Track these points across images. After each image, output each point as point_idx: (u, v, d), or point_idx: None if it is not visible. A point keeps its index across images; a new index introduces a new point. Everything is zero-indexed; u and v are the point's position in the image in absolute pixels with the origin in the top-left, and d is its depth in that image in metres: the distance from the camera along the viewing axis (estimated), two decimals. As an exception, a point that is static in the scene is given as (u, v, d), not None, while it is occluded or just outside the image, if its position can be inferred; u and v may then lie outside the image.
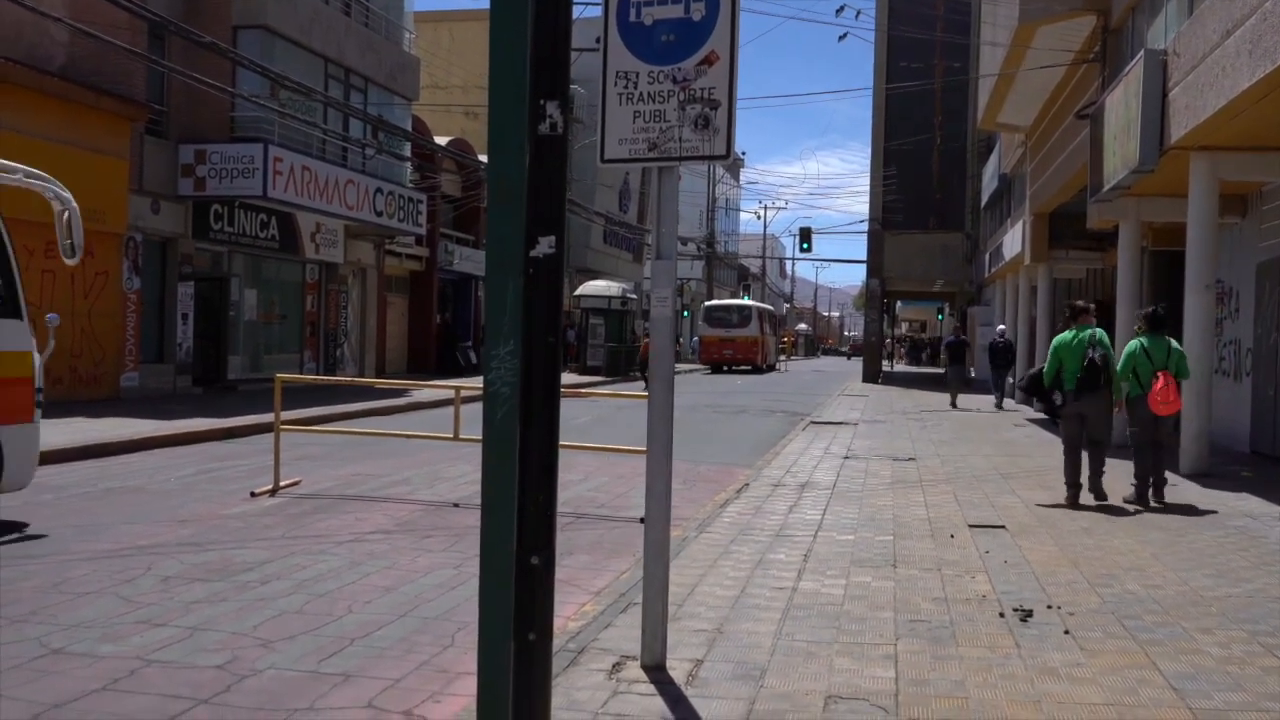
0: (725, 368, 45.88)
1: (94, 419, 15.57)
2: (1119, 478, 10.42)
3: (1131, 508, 9.67)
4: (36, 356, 8.99)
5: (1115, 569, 7.05)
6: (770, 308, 58.06)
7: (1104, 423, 10.09)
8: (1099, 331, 9.91)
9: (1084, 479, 9.97)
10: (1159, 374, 9.72)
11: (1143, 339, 10.04)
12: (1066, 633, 5.48)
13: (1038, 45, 18.70)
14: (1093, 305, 10.65)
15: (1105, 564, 7.22)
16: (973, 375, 32.98)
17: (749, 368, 46.46)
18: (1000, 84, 22.10)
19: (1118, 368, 9.96)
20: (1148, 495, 9.86)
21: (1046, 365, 10.09)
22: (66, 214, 9.55)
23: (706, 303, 50.69)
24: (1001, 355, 24.51)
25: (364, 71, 26.41)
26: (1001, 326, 26.64)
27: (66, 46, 19.50)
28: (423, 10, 39.63)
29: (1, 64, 17.43)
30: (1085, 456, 10.01)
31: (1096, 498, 9.91)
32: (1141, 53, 12.95)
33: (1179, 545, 7.94)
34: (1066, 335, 9.96)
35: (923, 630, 5.48)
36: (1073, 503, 9.78)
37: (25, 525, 8.36)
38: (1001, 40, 20.72)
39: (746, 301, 51.82)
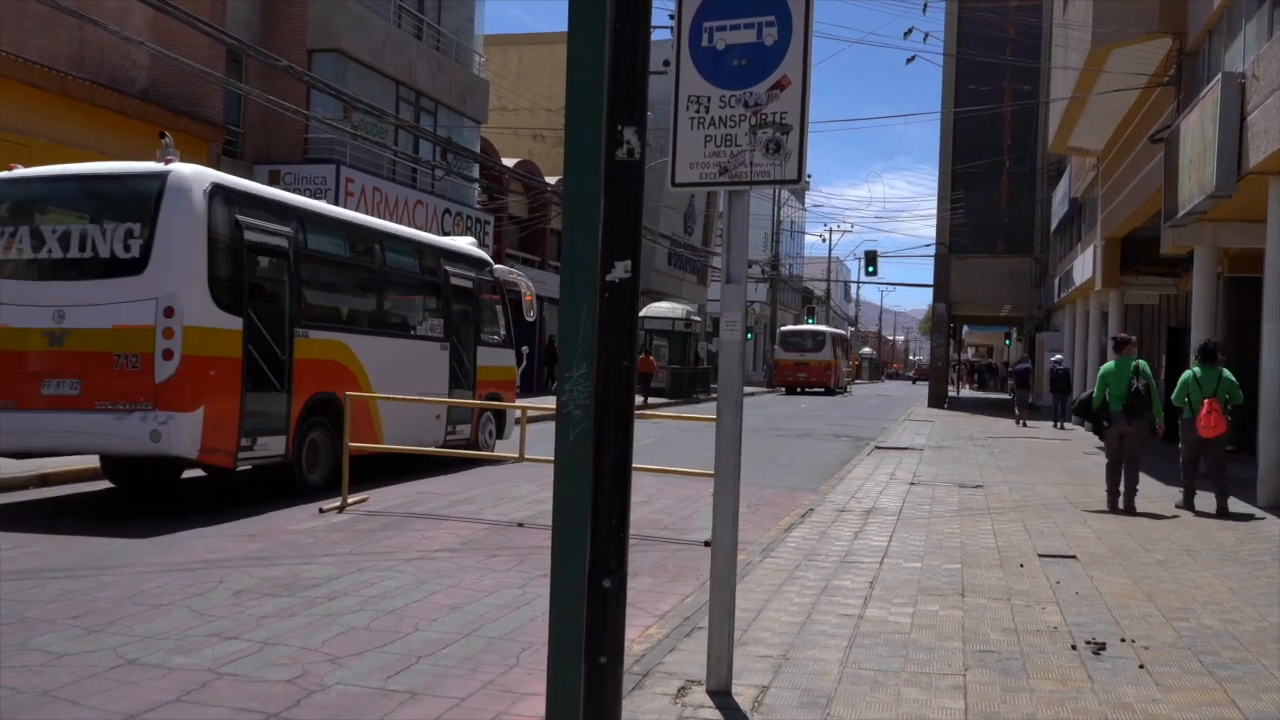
0: (799, 390, 47.99)
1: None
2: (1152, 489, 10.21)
3: (1179, 512, 11.17)
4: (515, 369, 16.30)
5: (1191, 602, 6.89)
6: (842, 333, 60.20)
7: (1142, 443, 11.30)
8: (1142, 362, 11.27)
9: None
10: (1206, 401, 10.96)
11: (1196, 369, 11.33)
12: (1141, 667, 5.36)
13: (1111, 68, 18.45)
14: (1134, 337, 11.93)
15: (1181, 597, 7.05)
16: (1040, 403, 32.69)
17: (822, 390, 48.44)
18: (1072, 107, 21.82)
19: (1173, 395, 11.45)
20: (1193, 503, 11.33)
21: (1095, 390, 11.43)
22: (530, 295, 16.75)
23: (782, 328, 53.13)
24: (1060, 381, 27.12)
25: (434, 94, 26.79)
26: (1059, 356, 28.90)
27: (148, 70, 20.05)
28: (493, 34, 40.05)
29: (89, 87, 17.95)
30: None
31: (1127, 511, 11.07)
32: (1219, 76, 12.72)
33: (1258, 579, 7.74)
34: (1111, 365, 11.36)
35: (992, 661, 5.40)
36: (1112, 508, 11.17)
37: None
38: (1074, 63, 20.47)
39: (820, 327, 53.91)
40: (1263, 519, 10.97)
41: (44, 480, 11.19)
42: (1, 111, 16.15)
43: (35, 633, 5.71)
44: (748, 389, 44.52)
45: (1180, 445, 11.55)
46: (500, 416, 15.57)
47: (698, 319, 41.72)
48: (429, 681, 5.10)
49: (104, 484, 11.52)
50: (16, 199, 10.22)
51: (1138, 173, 18.98)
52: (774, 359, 51.22)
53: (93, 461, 11.56)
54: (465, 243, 15.96)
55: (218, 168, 20.78)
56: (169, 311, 9.45)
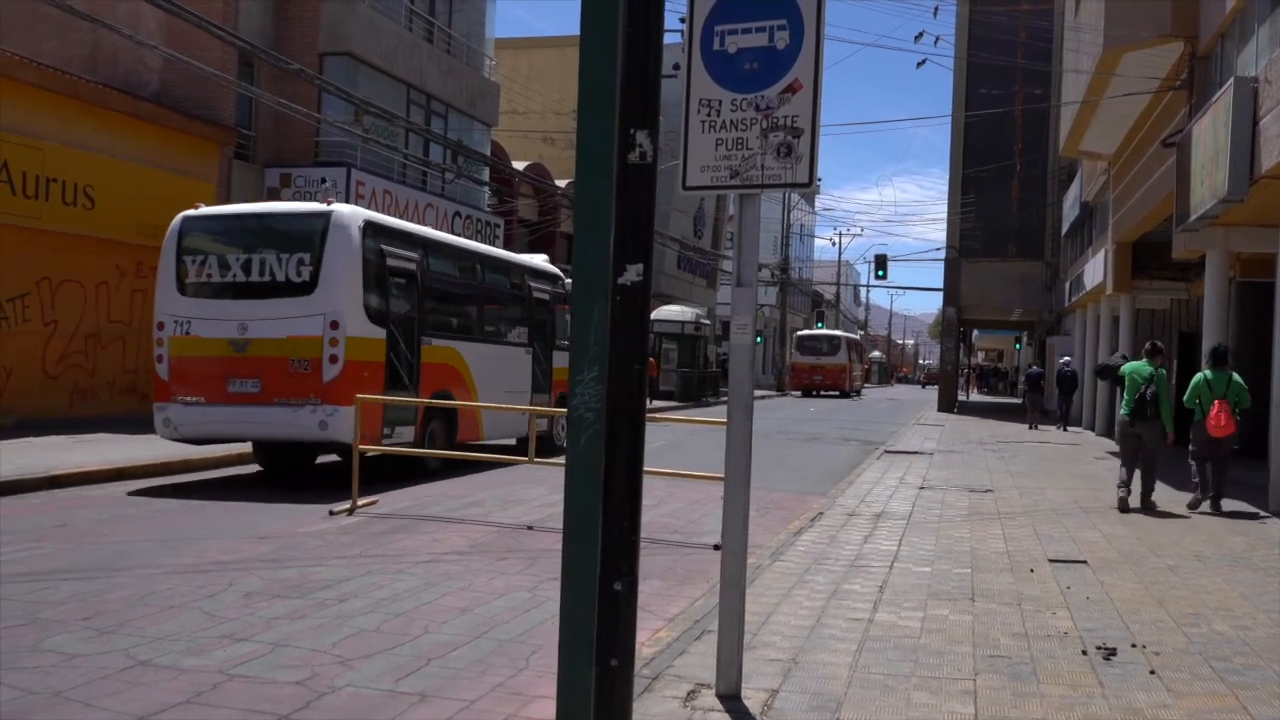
0: (815, 392, 50.20)
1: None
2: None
3: (1191, 512, 11.59)
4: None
5: (1202, 608, 6.87)
6: (856, 338, 63.34)
7: (1156, 444, 11.86)
8: (1161, 371, 11.75)
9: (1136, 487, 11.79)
10: (1216, 402, 11.42)
11: (1207, 372, 11.81)
12: (1152, 673, 5.34)
13: (1123, 72, 18.40)
14: (1163, 346, 12.40)
15: (1192, 603, 7.03)
16: (1050, 407, 32.65)
17: (837, 393, 50.66)
18: (1083, 111, 21.77)
19: (1185, 396, 11.95)
20: (1202, 503, 11.76)
21: (1119, 376, 12.16)
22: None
23: (799, 332, 56.22)
24: (1067, 382, 28.01)
25: (445, 97, 26.84)
26: (1066, 358, 29.59)
27: (160, 73, 20.12)
28: (503, 37, 40.09)
29: (101, 90, 18.02)
30: (1138, 473, 11.88)
31: (1146, 510, 11.55)
32: (1231, 80, 12.68)
33: (1269, 585, 7.71)
34: (1138, 364, 11.90)
35: (1003, 666, 5.39)
36: (1122, 505, 11.55)
37: None
38: (1085, 67, 20.43)
39: (836, 332, 56.73)
40: (1265, 519, 11.01)
41: (53, 482, 11.25)
42: (15, 115, 16.22)
43: (48, 634, 5.73)
44: (757, 393, 44.45)
45: (1190, 446, 11.94)
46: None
47: (707, 322, 41.79)
48: (439, 684, 5.11)
49: (101, 488, 11.57)
50: (204, 232, 12.45)
51: (1149, 177, 18.93)
52: (791, 362, 53.70)
53: (101, 463, 11.66)
54: (540, 260, 18.00)
55: (230, 171, 20.98)
56: (334, 325, 11.74)
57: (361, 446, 10.84)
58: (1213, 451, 11.65)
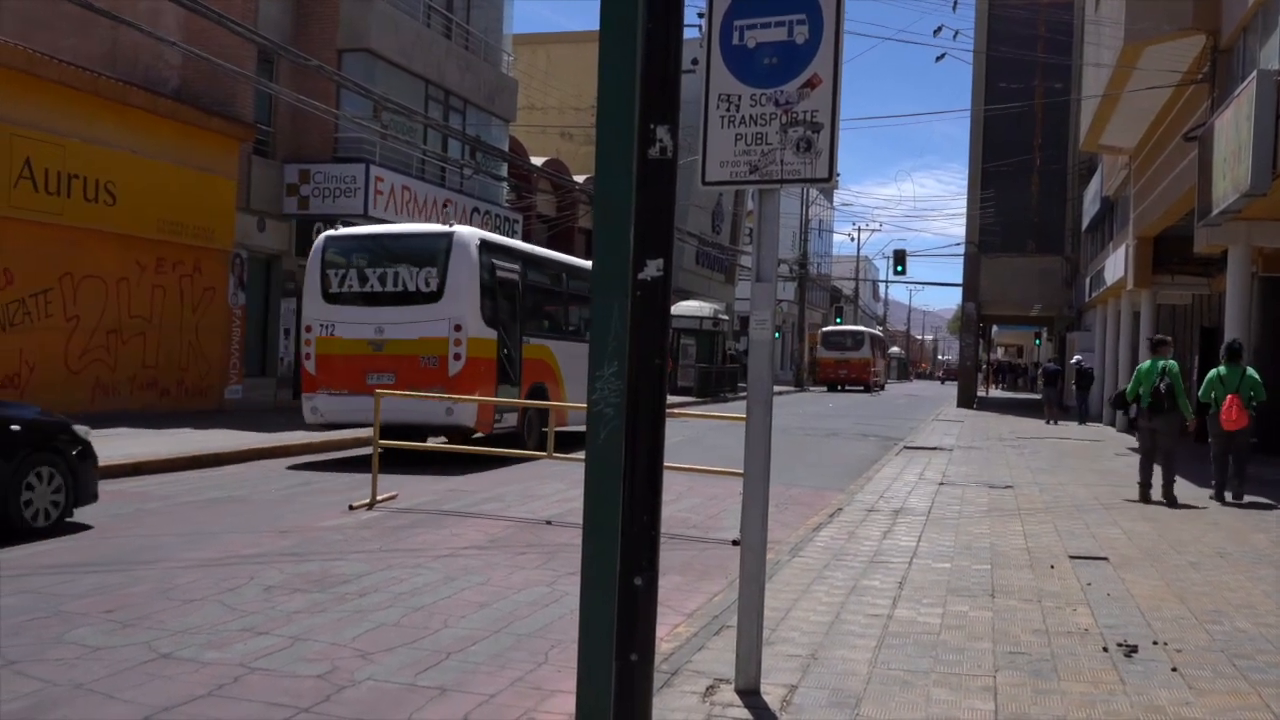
0: (840, 386, 52.19)
1: (200, 430, 16.04)
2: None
3: (1208, 504, 11.75)
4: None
5: (1225, 605, 6.83)
6: (879, 333, 65.55)
7: (1173, 438, 12.05)
8: (1172, 363, 11.99)
9: (1156, 481, 11.99)
10: (1229, 396, 11.78)
11: (1221, 368, 12.14)
12: (1174, 670, 5.31)
13: (1144, 66, 18.29)
14: (1170, 339, 12.71)
15: (1214, 600, 6.99)
16: (1069, 403, 32.59)
17: (861, 387, 52.47)
18: (1104, 105, 21.64)
19: (1199, 392, 12.39)
20: (1224, 494, 11.99)
21: (1129, 386, 12.47)
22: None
23: (824, 329, 58.14)
24: (1083, 379, 28.99)
25: (463, 93, 26.87)
26: (1079, 357, 30.80)
27: (180, 70, 20.21)
28: (521, 33, 40.12)
29: (121, 87, 18.11)
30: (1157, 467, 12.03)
31: (1169, 503, 11.64)
32: (1254, 73, 12.58)
33: (1292, 582, 7.66)
34: (1145, 364, 12.24)
35: (1023, 663, 5.37)
36: (1142, 498, 11.86)
37: None
38: (1106, 61, 20.31)
39: (860, 328, 58.69)
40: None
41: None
42: (37, 111, 16.32)
43: (70, 626, 5.77)
44: (776, 388, 44.46)
45: (1210, 440, 12.33)
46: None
47: (725, 318, 41.75)
48: (458, 678, 5.12)
49: (118, 483, 11.65)
50: (343, 249, 14.60)
51: (1171, 171, 18.81)
52: (816, 357, 55.89)
53: (122, 457, 11.77)
54: None
55: (249, 167, 21.06)
56: (457, 327, 14.01)
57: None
58: (1228, 445, 11.97)
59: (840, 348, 53.76)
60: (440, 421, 13.91)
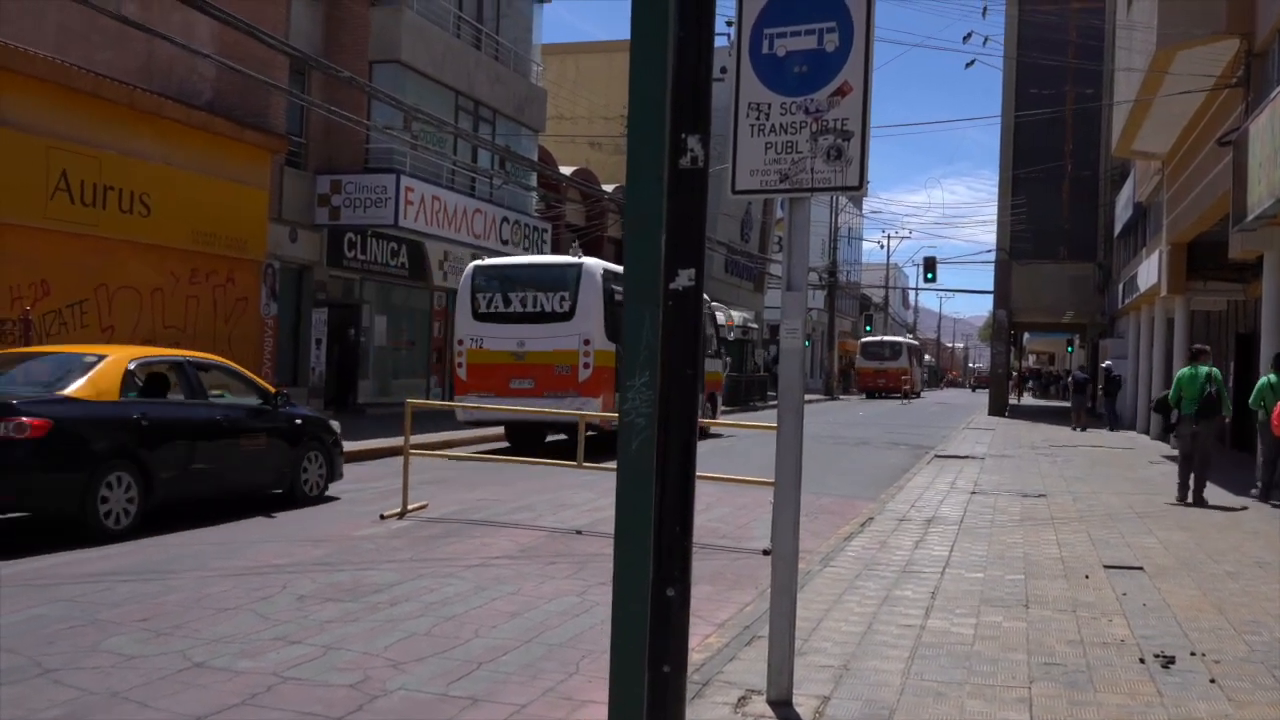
0: (879, 394, 55.50)
1: (232, 440, 16.12)
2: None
3: (1244, 504, 12.42)
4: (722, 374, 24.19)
5: (1263, 615, 6.74)
6: (915, 344, 69.75)
7: (1211, 441, 12.65)
8: (1215, 370, 12.66)
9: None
10: (1279, 404, 12.19)
11: (1271, 376, 12.69)
12: (1212, 681, 5.24)
13: (1176, 70, 18.11)
14: (1208, 347, 13.61)
15: (1252, 610, 6.90)
16: (1102, 412, 32.43)
17: (899, 394, 55.61)
18: (1136, 110, 21.45)
19: (1250, 399, 13.01)
20: (1269, 495, 12.65)
21: (1171, 392, 13.02)
22: (731, 321, 25.36)
23: (864, 340, 62.76)
24: (1111, 385, 29.68)
25: (493, 103, 26.98)
26: (1108, 363, 31.21)
27: (213, 82, 20.41)
28: (550, 43, 40.26)
29: (156, 99, 18.30)
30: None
31: (1197, 504, 12.21)
32: (1290, 77, 12.45)
33: (1333, 593, 7.55)
34: (1186, 370, 12.77)
35: (1058, 674, 5.31)
36: (1182, 499, 12.49)
37: None
38: (1138, 65, 20.13)
39: (897, 339, 62.87)
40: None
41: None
42: (73, 124, 16.51)
43: (106, 635, 5.82)
44: (805, 396, 44.51)
45: (1260, 446, 13.00)
46: (712, 401, 23.43)
47: (754, 326, 41.69)
48: (490, 688, 5.13)
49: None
50: (490, 277, 17.65)
51: (1205, 176, 18.62)
52: (856, 367, 60.65)
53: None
54: None
55: (281, 178, 21.23)
56: (586, 341, 16.85)
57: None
58: (1278, 450, 12.62)
59: (879, 358, 57.51)
60: (571, 420, 15.39)
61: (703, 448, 17.76)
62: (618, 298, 16.89)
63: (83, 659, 5.38)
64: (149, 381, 9.79)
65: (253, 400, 10.86)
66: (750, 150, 4.84)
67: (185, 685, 5.03)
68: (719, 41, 27.61)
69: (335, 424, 11.86)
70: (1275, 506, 12.25)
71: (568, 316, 16.96)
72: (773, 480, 4.90)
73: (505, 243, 26.59)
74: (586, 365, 16.73)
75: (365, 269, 23.75)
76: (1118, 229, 36.30)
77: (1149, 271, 25.35)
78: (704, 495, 12.03)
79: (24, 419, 8.31)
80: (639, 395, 3.09)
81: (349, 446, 15.34)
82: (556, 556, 8.54)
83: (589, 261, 17.59)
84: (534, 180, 29.16)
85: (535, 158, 29.13)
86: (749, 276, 52.00)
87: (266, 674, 5.22)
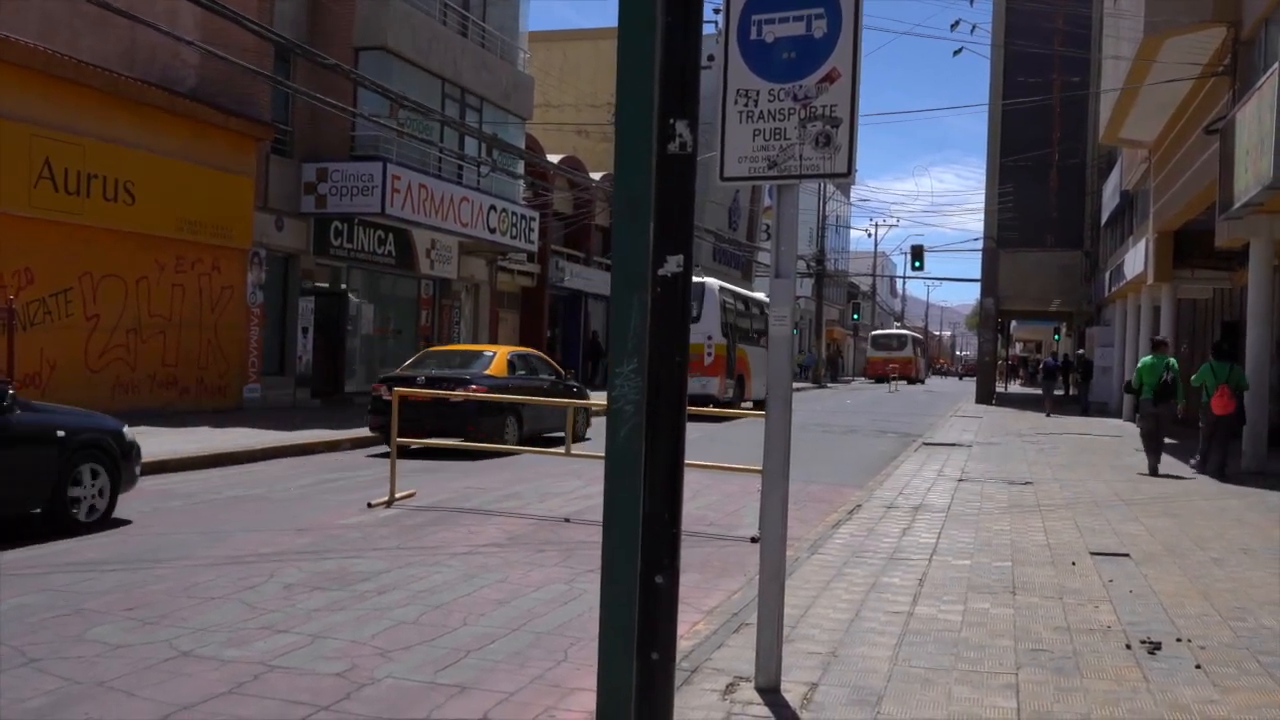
0: (889, 380, 59.35)
1: (219, 429, 16.09)
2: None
3: (1193, 474, 14.14)
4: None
5: (1249, 602, 6.77)
6: (919, 335, 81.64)
7: (1167, 423, 14.65)
8: (1173, 360, 14.47)
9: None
10: (1220, 387, 13.81)
11: (1212, 362, 14.14)
12: (1198, 667, 5.27)
13: (1164, 58, 18.15)
14: (1167, 340, 15.93)
15: (1238, 596, 6.93)
16: (1090, 399, 32.59)
17: (906, 380, 62.13)
18: (1124, 98, 21.50)
19: (1193, 379, 14.55)
20: (1207, 469, 14.19)
21: (1134, 378, 14.92)
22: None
23: (873, 332, 73.37)
24: (1087, 370, 33.41)
25: (479, 91, 26.86)
26: (1081, 351, 35.79)
27: (197, 69, 20.28)
28: (537, 30, 40.10)
29: (140, 86, 18.18)
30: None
31: (1152, 474, 13.98)
32: (1276, 65, 12.48)
33: (1317, 579, 7.59)
34: (1148, 359, 14.47)
35: (1045, 660, 5.33)
36: (1153, 471, 14.12)
37: None
38: (1125, 53, 20.16)
39: (904, 330, 73.95)
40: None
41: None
42: (55, 111, 16.39)
43: (92, 624, 5.80)
44: (793, 385, 44.62)
45: (1200, 424, 14.74)
46: (740, 383, 28.01)
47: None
48: (478, 676, 5.12)
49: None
50: None
51: (1191, 164, 18.68)
52: (866, 356, 70.25)
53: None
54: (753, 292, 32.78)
55: (266, 166, 21.13)
56: (709, 338, 25.06)
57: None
58: (1216, 427, 14.08)
59: (887, 348, 67.71)
60: (698, 392, 21.51)
61: (690, 435, 17.88)
62: (727, 305, 26.29)
63: (68, 648, 5.36)
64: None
65: None
66: (738, 137, 4.82)
67: (172, 674, 5.01)
68: (708, 28, 27.59)
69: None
70: (1214, 479, 13.61)
71: (697, 319, 24.02)
72: (760, 468, 4.90)
73: (493, 231, 26.52)
74: (709, 354, 24.75)
75: (352, 257, 23.66)
76: (1105, 217, 36.42)
77: (1136, 259, 25.44)
78: (692, 483, 12.00)
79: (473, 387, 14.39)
80: (627, 382, 3.07)
81: (335, 435, 15.34)
82: (545, 544, 8.54)
83: (710, 281, 25.73)
84: (521, 168, 29.07)
85: (523, 145, 29.02)
86: (737, 264, 52.03)
87: (254, 663, 5.20)
